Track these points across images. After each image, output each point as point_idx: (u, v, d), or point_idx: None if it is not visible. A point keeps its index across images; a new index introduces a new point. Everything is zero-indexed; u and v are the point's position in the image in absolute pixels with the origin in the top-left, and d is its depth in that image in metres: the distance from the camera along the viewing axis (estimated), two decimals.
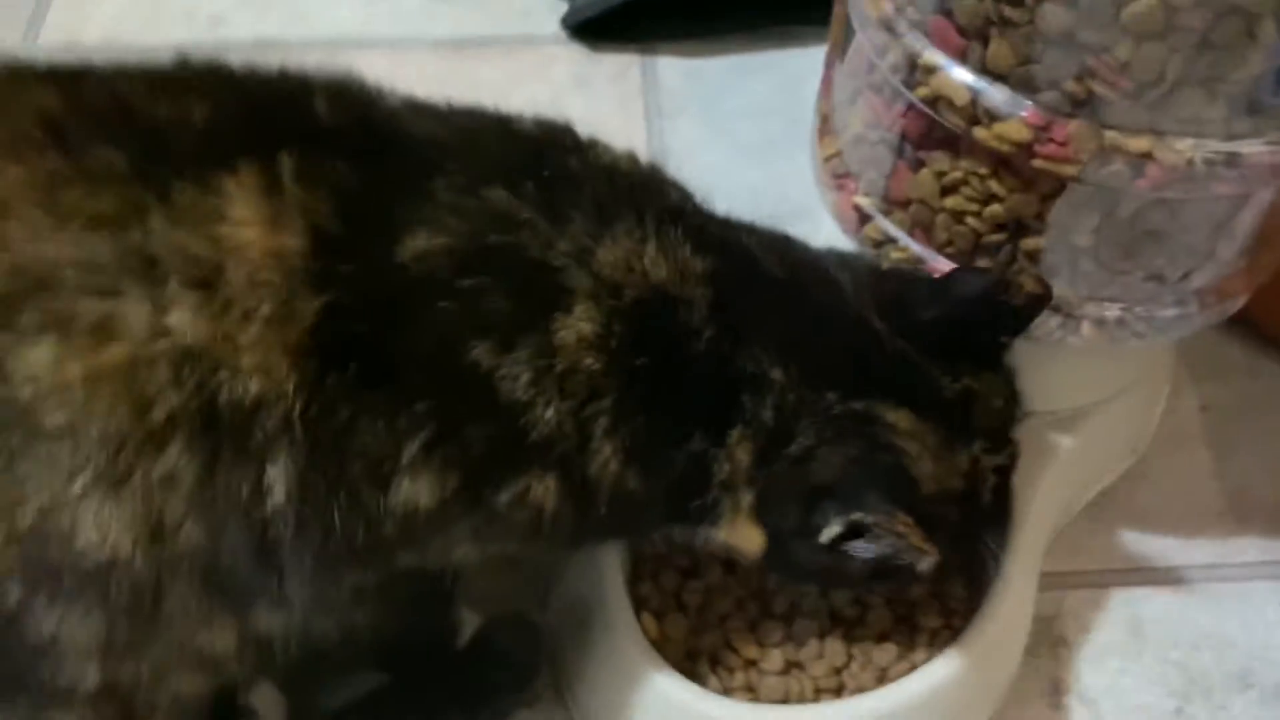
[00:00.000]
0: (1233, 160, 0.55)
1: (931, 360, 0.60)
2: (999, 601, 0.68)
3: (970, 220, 0.63)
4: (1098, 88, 0.54)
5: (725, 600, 0.71)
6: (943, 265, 0.65)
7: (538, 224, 0.54)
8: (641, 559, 0.72)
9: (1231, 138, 0.54)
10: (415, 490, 0.52)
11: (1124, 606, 0.79)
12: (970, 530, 0.64)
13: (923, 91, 0.59)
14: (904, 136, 0.63)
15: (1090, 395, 0.75)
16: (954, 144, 0.61)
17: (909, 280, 0.63)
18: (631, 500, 0.58)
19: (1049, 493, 0.74)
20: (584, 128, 1.05)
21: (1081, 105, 0.55)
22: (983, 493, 0.62)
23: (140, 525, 0.48)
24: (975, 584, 0.71)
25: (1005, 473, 0.64)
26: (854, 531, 0.57)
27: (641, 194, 0.58)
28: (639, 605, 0.70)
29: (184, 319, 0.47)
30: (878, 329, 0.60)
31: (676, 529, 0.62)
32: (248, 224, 0.49)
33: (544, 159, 0.57)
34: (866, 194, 0.68)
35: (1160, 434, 0.84)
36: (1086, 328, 0.64)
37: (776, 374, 0.58)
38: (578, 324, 0.53)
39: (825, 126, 0.71)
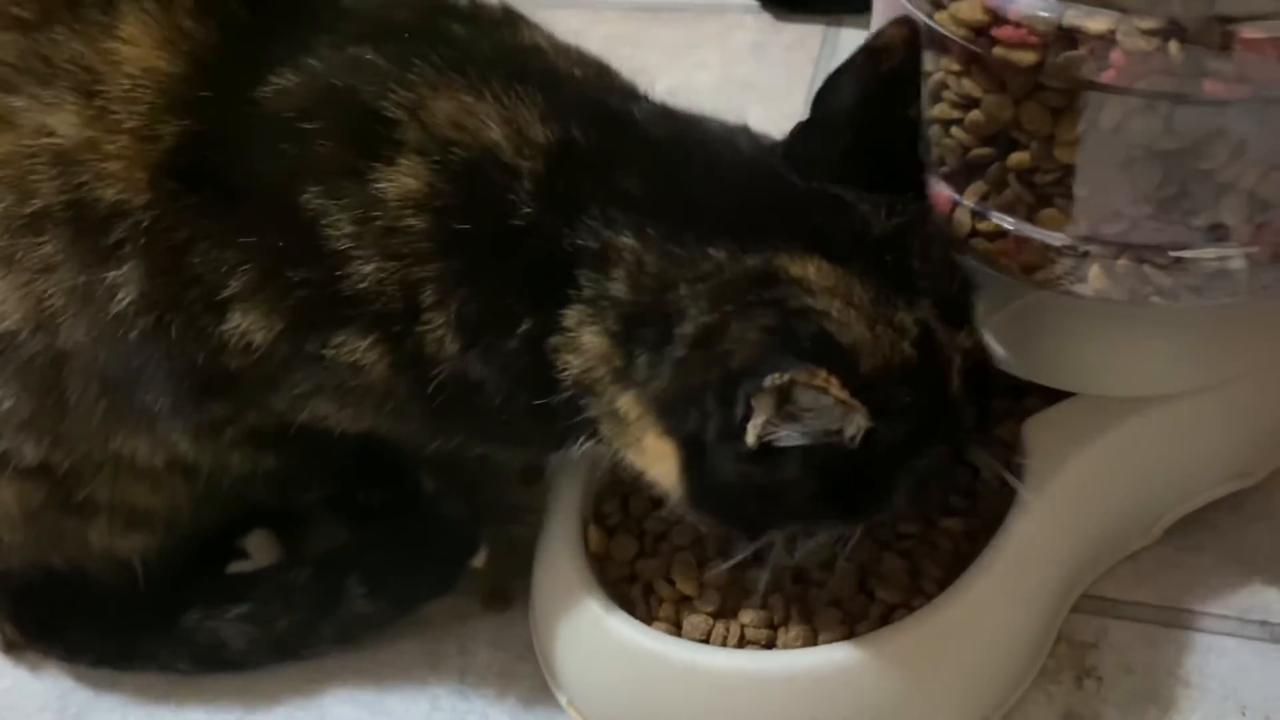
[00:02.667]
0: (1223, 44, 0.44)
1: (858, 193, 0.52)
2: (964, 591, 0.59)
3: (956, 132, 0.55)
4: None
5: (685, 534, 0.66)
6: (940, 188, 0.58)
7: (379, 69, 0.54)
8: (620, 480, 0.69)
9: (1215, 16, 0.44)
10: (247, 325, 0.54)
11: (1188, 654, 0.65)
12: (941, 426, 0.52)
13: None
14: None
15: (1154, 383, 0.62)
16: (936, 42, 0.54)
17: (798, 130, 0.55)
18: (480, 393, 0.55)
19: (1082, 486, 0.62)
20: (747, 90, 1.05)
21: None
22: (950, 377, 0.51)
23: (29, 304, 0.54)
24: (957, 566, 0.61)
25: (980, 360, 0.53)
26: (779, 414, 0.48)
27: (510, 58, 0.56)
28: (598, 519, 0.68)
29: (64, 120, 0.53)
30: (783, 176, 0.53)
31: (581, 444, 0.57)
32: (134, 43, 0.53)
33: (425, 23, 0.56)
34: None
35: None
36: (1095, 274, 0.54)
37: (626, 240, 0.52)
38: (400, 178, 0.52)
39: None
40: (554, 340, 0.54)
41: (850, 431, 0.49)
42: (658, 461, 0.55)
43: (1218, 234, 0.53)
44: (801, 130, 0.55)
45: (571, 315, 0.53)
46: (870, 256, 0.51)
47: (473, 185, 0.53)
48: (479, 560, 0.69)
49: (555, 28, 0.62)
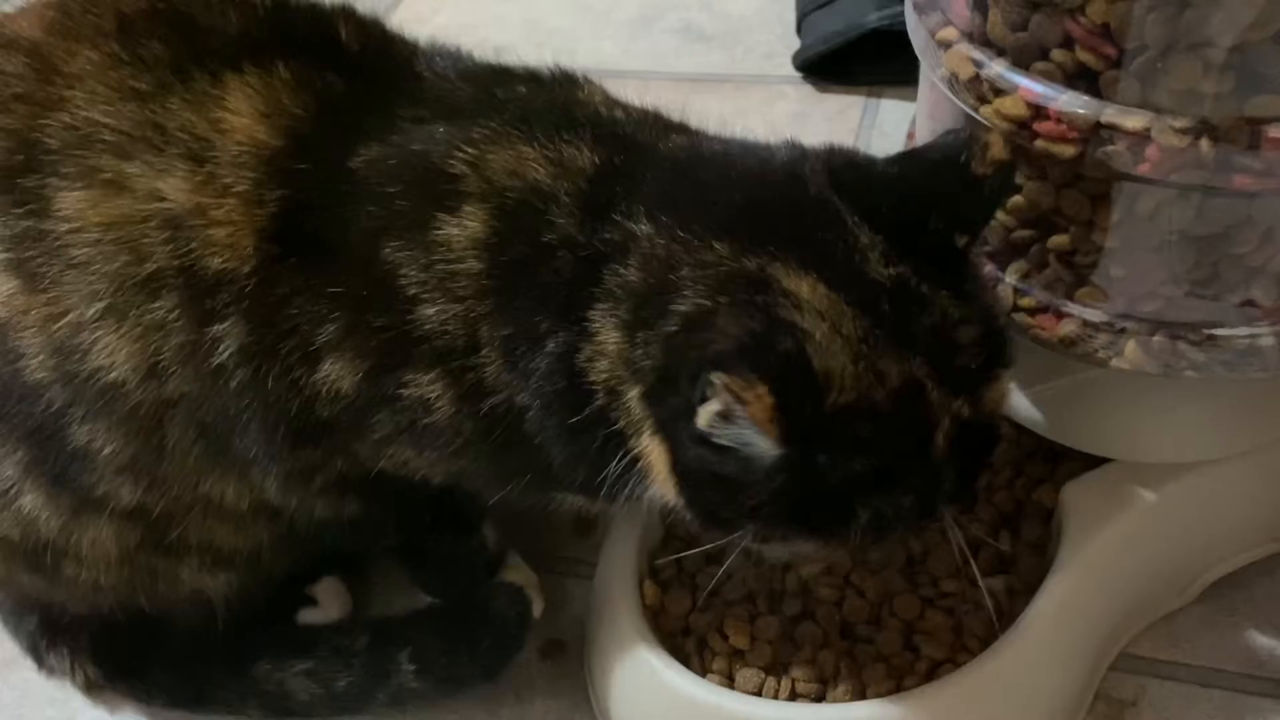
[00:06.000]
0: (1251, 142, 0.48)
1: (873, 234, 0.52)
2: (1006, 648, 0.61)
3: (999, 215, 0.58)
4: (1083, 55, 0.49)
5: (737, 590, 0.70)
6: (984, 265, 0.61)
7: (448, 137, 0.58)
8: (674, 536, 0.73)
9: (1244, 117, 0.47)
10: (337, 373, 0.58)
11: (1224, 715, 0.67)
12: (911, 477, 0.52)
13: (942, 71, 0.57)
14: (943, 124, 0.61)
15: (1189, 449, 0.65)
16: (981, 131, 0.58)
17: (882, 159, 0.56)
18: (524, 420, 0.57)
19: (1119, 549, 0.65)
20: None
21: (1076, 78, 0.51)
22: (933, 437, 0.51)
23: (137, 358, 0.58)
24: (1000, 623, 0.64)
25: (978, 435, 0.53)
26: (723, 411, 0.49)
27: (562, 110, 0.59)
28: (652, 574, 0.71)
29: (174, 186, 0.57)
30: (809, 191, 0.54)
31: (618, 481, 0.58)
32: (240, 114, 0.58)
33: (491, 89, 0.61)
34: None
35: None
36: (1131, 349, 0.57)
37: (643, 227, 0.54)
38: (463, 223, 0.56)
39: (911, 128, 0.69)
40: (584, 351, 0.55)
41: (758, 451, 0.50)
42: (658, 465, 0.56)
43: (1249, 313, 0.56)
44: (895, 158, 0.56)
45: (595, 316, 0.55)
46: (866, 293, 0.51)
47: (516, 218, 0.56)
48: (535, 611, 0.72)
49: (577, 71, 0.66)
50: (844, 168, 0.55)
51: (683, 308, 0.53)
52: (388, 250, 0.57)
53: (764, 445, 0.50)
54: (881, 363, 0.51)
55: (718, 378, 0.48)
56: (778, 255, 0.52)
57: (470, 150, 0.58)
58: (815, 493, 0.52)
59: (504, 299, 0.57)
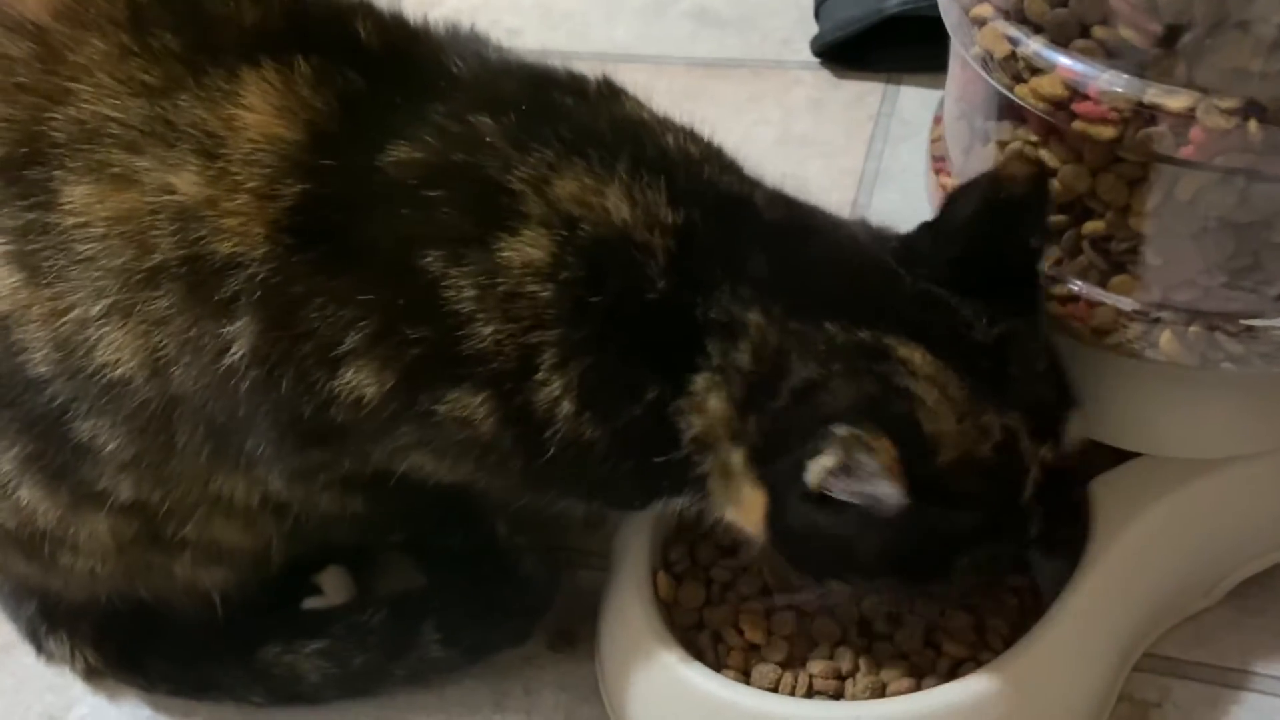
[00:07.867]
0: None
1: (962, 299, 0.55)
2: (1030, 646, 0.60)
3: None
4: (1125, 32, 0.48)
5: (752, 584, 0.68)
6: None
7: (500, 148, 0.56)
8: (686, 527, 0.71)
9: None
10: (360, 380, 0.56)
11: (1250, 716, 0.66)
12: (1005, 526, 0.55)
13: (975, 49, 0.55)
14: (973, 106, 0.59)
15: (1219, 445, 0.63)
16: (1014, 112, 0.56)
17: (916, 231, 0.59)
18: (590, 451, 0.57)
19: (1147, 546, 0.63)
20: (806, 145, 1.07)
21: (1117, 56, 0.49)
22: (1024, 485, 0.54)
23: (143, 354, 0.57)
24: (1023, 621, 0.62)
25: (1061, 481, 0.56)
26: (840, 467, 0.51)
27: (631, 140, 0.58)
28: (666, 566, 0.69)
29: (185, 180, 0.55)
30: (894, 269, 0.56)
31: (668, 501, 0.60)
32: (256, 110, 0.56)
33: (538, 96, 0.59)
34: (953, 175, 0.63)
35: None
36: (1166, 339, 0.56)
37: (753, 316, 0.56)
38: (525, 248, 0.55)
39: (938, 112, 0.68)
40: (679, 403, 0.57)
41: (888, 503, 0.52)
42: (750, 511, 0.58)
43: None
44: (923, 228, 0.59)
45: (699, 381, 0.56)
46: (968, 357, 0.54)
47: (605, 261, 0.56)
48: None
49: (622, 80, 0.64)
50: (914, 255, 0.57)
51: (793, 384, 0.55)
52: (429, 259, 0.55)
53: (890, 494, 0.51)
54: (985, 418, 0.53)
55: (841, 429, 0.50)
56: (889, 329, 0.54)
57: (528, 170, 0.56)
58: (922, 546, 0.54)
59: (585, 336, 0.56)
